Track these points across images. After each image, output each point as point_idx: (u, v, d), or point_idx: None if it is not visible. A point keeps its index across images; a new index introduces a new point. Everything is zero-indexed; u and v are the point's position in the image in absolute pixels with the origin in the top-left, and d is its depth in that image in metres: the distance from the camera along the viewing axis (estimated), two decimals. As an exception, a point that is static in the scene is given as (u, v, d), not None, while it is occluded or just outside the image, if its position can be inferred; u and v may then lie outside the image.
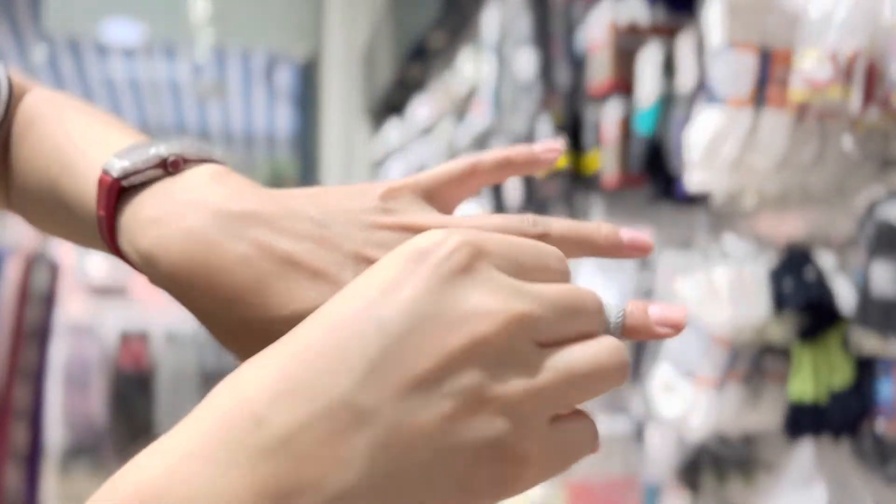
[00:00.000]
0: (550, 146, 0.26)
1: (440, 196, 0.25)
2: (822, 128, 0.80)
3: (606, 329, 0.21)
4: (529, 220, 0.23)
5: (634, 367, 1.16)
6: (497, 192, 1.73)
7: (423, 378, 0.17)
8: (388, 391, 0.16)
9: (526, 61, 1.49)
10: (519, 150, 0.26)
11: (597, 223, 0.24)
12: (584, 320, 0.19)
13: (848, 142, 0.79)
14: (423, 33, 2.45)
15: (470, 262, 0.18)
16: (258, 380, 0.17)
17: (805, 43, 0.72)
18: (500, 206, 1.73)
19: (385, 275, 0.18)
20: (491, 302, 0.18)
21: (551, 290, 0.19)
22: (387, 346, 0.17)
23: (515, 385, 0.18)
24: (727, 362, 0.89)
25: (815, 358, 0.82)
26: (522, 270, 0.19)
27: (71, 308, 3.15)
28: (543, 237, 0.23)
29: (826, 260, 0.85)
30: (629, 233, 0.24)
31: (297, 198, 0.23)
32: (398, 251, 0.18)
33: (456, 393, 0.17)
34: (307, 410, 0.16)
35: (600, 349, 0.19)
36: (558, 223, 0.23)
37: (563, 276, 0.21)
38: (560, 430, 0.19)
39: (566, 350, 0.19)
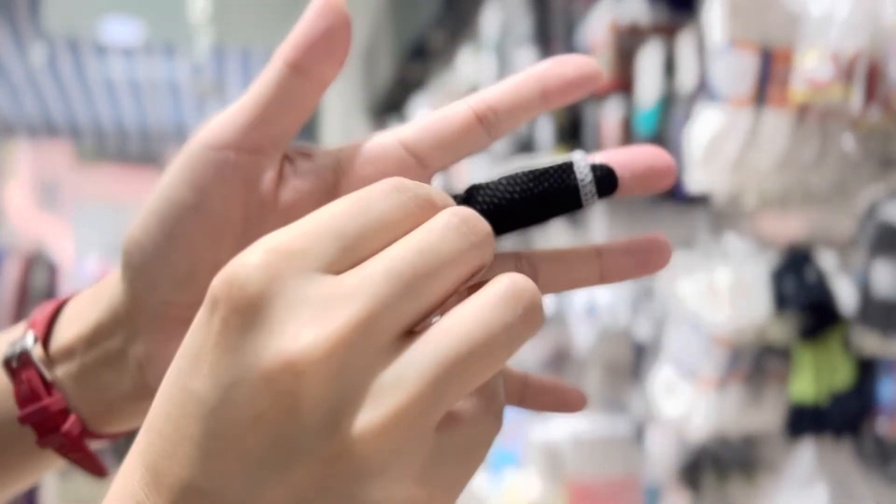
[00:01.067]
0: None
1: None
2: (823, 127, 0.80)
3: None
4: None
5: (634, 367, 1.16)
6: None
7: (255, 452, 0.14)
8: (226, 470, 0.14)
9: (526, 61, 1.49)
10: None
11: None
12: (444, 272, 0.15)
13: (849, 142, 0.79)
14: (423, 33, 2.45)
15: (264, 290, 0.14)
16: (133, 467, 0.15)
17: (806, 42, 0.72)
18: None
19: (192, 334, 0.15)
20: (298, 335, 0.14)
21: (382, 265, 0.14)
22: (209, 424, 0.14)
23: (370, 421, 0.14)
24: (728, 363, 0.89)
25: (816, 358, 0.82)
26: (353, 248, 0.15)
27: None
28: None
29: (827, 260, 0.85)
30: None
31: None
32: (207, 295, 0.15)
33: (297, 460, 0.14)
34: (167, 499, 0.14)
35: (480, 304, 0.14)
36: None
37: (412, 213, 0.15)
38: (449, 439, 0.15)
39: (428, 334, 0.14)
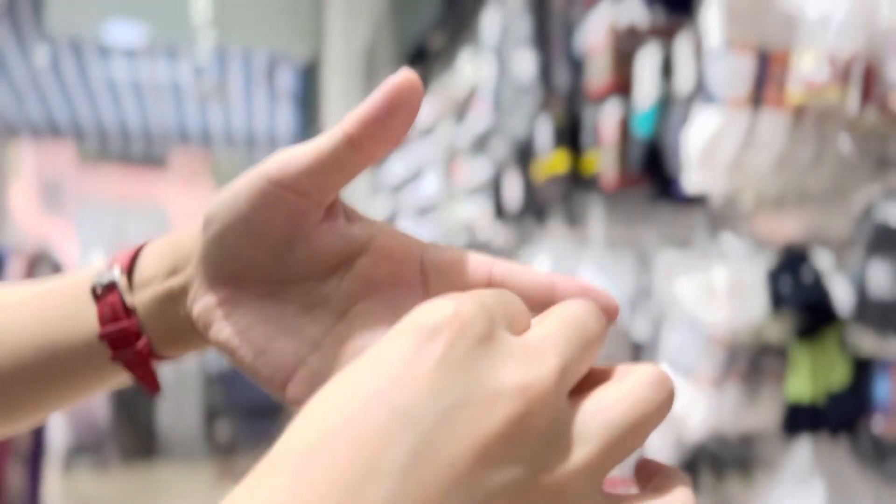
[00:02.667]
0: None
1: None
2: (819, 129, 0.81)
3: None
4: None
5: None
6: (496, 194, 1.73)
7: (463, 475, 0.15)
8: (427, 493, 0.14)
9: (526, 62, 1.49)
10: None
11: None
12: (590, 336, 0.18)
13: (846, 142, 0.80)
14: (423, 34, 2.46)
15: (489, 331, 0.16)
16: (300, 490, 0.14)
17: (803, 44, 0.72)
18: (499, 209, 1.73)
19: (395, 357, 0.15)
20: (521, 373, 0.16)
21: (554, 330, 0.17)
22: (419, 444, 0.14)
23: (562, 467, 0.16)
24: (725, 362, 0.89)
25: (812, 357, 0.82)
26: (516, 325, 0.18)
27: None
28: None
29: (824, 260, 0.85)
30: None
31: None
32: (401, 330, 0.16)
33: (500, 489, 0.15)
34: None
35: (636, 385, 0.17)
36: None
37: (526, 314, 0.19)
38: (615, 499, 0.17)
39: (598, 401, 0.17)
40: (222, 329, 0.22)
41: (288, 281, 0.23)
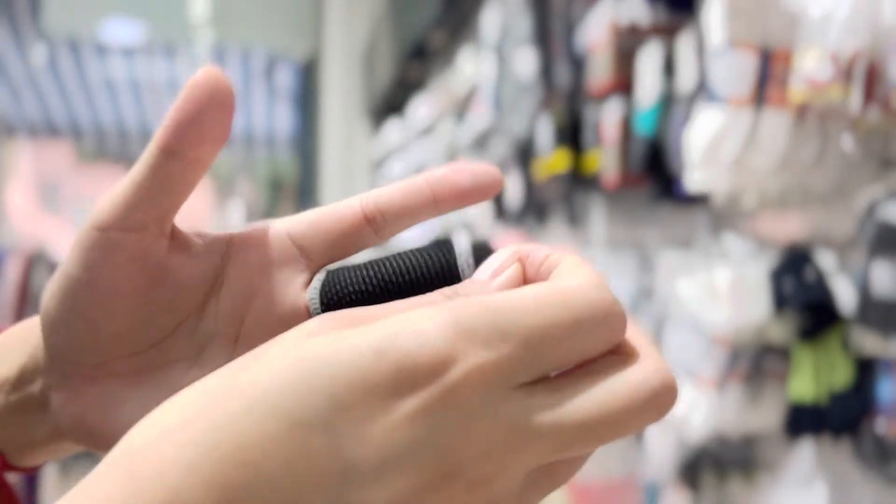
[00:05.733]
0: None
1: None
2: (822, 128, 0.80)
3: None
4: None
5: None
6: (496, 196, 1.72)
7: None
8: None
9: (526, 61, 1.49)
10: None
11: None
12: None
13: (848, 142, 0.79)
14: (423, 33, 2.45)
15: (472, 395, 0.14)
16: (183, 473, 0.13)
17: (805, 43, 0.72)
18: (500, 209, 1.73)
19: (362, 388, 0.14)
20: (485, 460, 0.14)
21: (580, 415, 0.15)
22: (348, 497, 0.14)
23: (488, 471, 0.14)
24: (727, 362, 0.89)
25: (815, 358, 0.82)
26: (542, 361, 0.15)
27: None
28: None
29: (826, 260, 0.85)
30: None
31: None
32: (382, 346, 0.14)
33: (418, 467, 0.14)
34: None
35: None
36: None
37: (609, 335, 0.16)
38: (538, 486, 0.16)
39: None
40: (110, 432, 0.19)
41: (162, 338, 0.20)
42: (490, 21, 1.78)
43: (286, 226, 0.21)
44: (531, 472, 0.15)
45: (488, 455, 0.14)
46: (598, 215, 1.41)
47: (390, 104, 3.25)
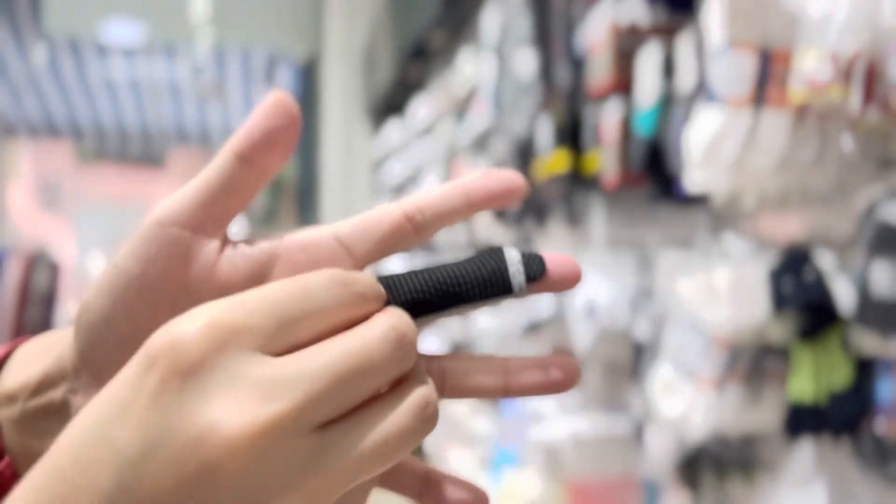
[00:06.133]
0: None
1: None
2: (821, 128, 0.80)
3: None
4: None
5: (633, 367, 1.16)
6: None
7: None
8: None
9: (526, 61, 1.49)
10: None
11: None
12: (374, 379, 0.17)
13: (848, 142, 0.80)
14: (423, 33, 2.45)
15: (206, 358, 0.15)
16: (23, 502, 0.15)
17: (805, 43, 0.72)
18: (501, 216, 1.73)
19: (122, 385, 0.16)
20: (233, 410, 0.15)
21: (322, 362, 0.16)
22: (122, 476, 0.15)
23: (290, 500, 0.16)
24: (727, 362, 0.89)
25: (814, 358, 0.82)
26: (290, 330, 0.17)
27: (71, 307, 3.15)
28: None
29: (826, 260, 0.85)
30: None
31: None
32: (140, 351, 0.16)
33: None
34: None
35: (397, 412, 0.17)
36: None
37: (347, 305, 0.18)
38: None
39: (351, 427, 0.17)
40: None
41: None
42: (490, 21, 1.78)
43: (331, 229, 0.22)
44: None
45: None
46: (597, 215, 1.41)
47: (390, 104, 3.26)
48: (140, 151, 5.79)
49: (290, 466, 0.16)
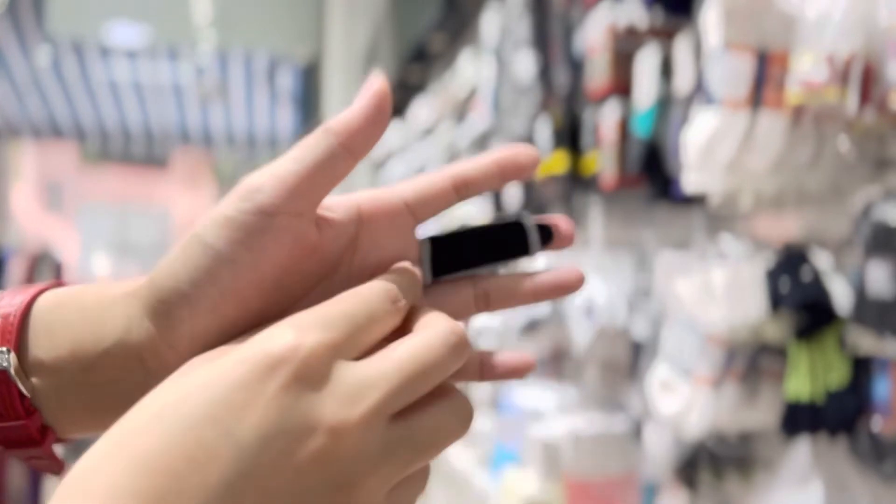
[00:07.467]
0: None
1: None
2: (818, 129, 0.81)
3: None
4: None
5: (632, 365, 1.17)
6: (495, 194, 1.73)
7: (281, 492, 0.17)
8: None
9: (525, 63, 1.50)
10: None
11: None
12: (436, 377, 0.20)
13: (844, 143, 0.80)
14: (423, 35, 2.46)
15: (317, 370, 0.18)
16: (109, 493, 0.16)
17: (802, 45, 0.73)
18: (499, 210, 1.74)
19: (238, 390, 0.18)
20: (335, 408, 0.18)
21: (395, 364, 0.19)
22: (242, 464, 0.17)
23: (370, 480, 0.19)
24: (724, 361, 0.90)
25: (811, 357, 0.82)
26: (360, 339, 0.20)
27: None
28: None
29: (822, 260, 0.85)
30: None
31: None
32: (241, 358, 0.18)
33: (313, 499, 0.18)
34: None
35: (446, 414, 0.20)
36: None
37: (396, 314, 0.21)
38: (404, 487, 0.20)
39: (412, 423, 0.20)
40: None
41: (289, 307, 0.22)
42: (490, 24, 1.78)
43: (399, 194, 0.25)
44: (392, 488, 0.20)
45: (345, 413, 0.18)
46: (595, 216, 1.42)
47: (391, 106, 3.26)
48: (143, 153, 5.81)
49: (371, 453, 0.19)
